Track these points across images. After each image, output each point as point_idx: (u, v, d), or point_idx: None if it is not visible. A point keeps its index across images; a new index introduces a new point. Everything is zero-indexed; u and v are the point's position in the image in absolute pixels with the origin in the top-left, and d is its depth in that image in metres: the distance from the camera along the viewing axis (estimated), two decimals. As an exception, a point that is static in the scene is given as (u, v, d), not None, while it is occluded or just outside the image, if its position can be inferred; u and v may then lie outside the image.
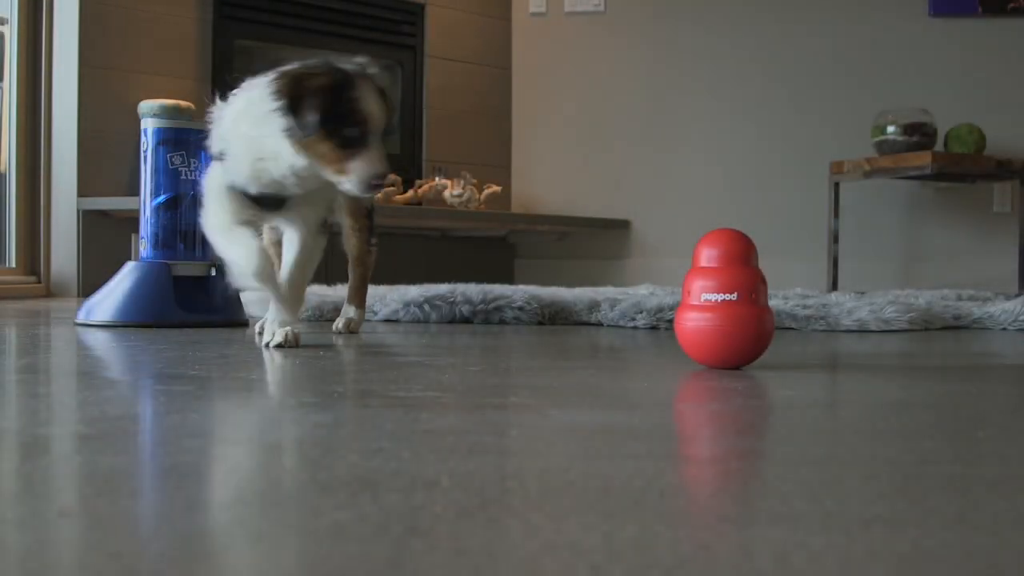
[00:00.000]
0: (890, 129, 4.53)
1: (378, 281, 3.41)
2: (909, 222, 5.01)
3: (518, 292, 2.82)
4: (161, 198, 2.42)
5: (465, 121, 5.30)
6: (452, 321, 2.69)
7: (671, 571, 0.52)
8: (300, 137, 1.66)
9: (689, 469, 0.81)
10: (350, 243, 2.19)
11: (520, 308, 2.70)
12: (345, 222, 2.14)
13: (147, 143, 2.43)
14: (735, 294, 1.48)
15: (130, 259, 2.48)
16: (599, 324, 2.67)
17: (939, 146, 4.62)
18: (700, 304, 1.50)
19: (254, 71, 1.82)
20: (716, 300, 1.49)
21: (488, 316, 2.69)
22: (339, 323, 2.20)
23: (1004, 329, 2.60)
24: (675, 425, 1.06)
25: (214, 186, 1.81)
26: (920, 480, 0.75)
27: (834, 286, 4.60)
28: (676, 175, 5.20)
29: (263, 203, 1.80)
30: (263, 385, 1.28)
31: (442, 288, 2.83)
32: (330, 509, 0.64)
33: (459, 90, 5.29)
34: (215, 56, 4.58)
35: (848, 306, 2.59)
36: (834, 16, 5.07)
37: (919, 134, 4.49)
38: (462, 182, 4.82)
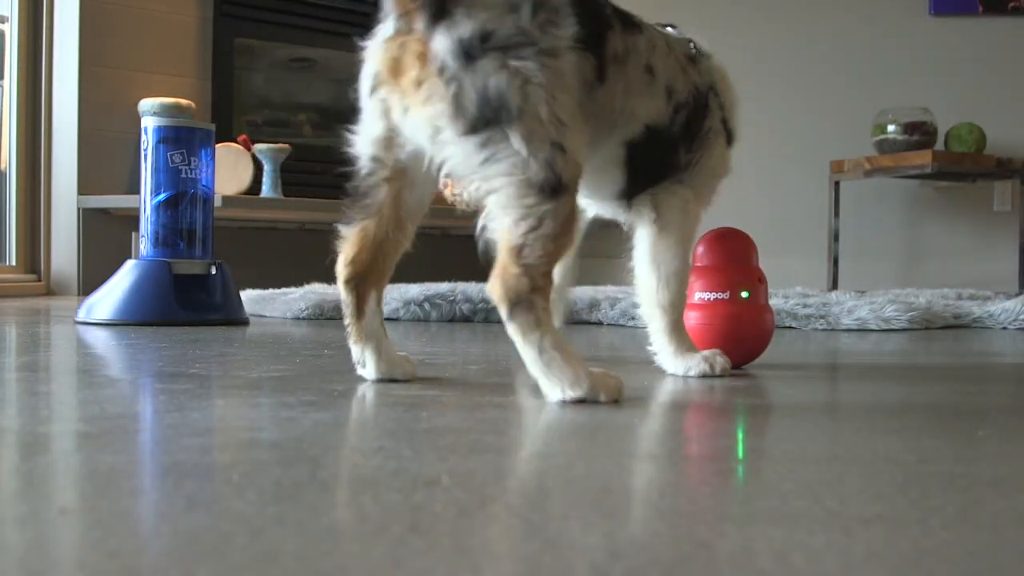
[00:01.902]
0: (890, 128, 4.53)
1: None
2: (909, 221, 5.01)
3: (518, 291, 2.82)
4: (161, 196, 2.42)
5: (465, 120, 5.29)
6: (452, 320, 2.69)
7: (671, 570, 0.52)
8: None
9: (689, 468, 0.81)
10: None
11: (520, 307, 2.69)
12: None
13: (147, 141, 2.43)
14: (727, 293, 1.49)
15: (130, 257, 2.48)
16: (599, 323, 2.67)
17: (939, 145, 4.62)
18: (694, 303, 1.51)
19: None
20: (709, 299, 1.50)
21: (488, 315, 2.69)
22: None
23: (1004, 328, 2.60)
24: (675, 424, 1.06)
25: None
26: (920, 479, 0.75)
27: (834, 285, 4.61)
28: (676, 174, 5.19)
29: None
30: (263, 383, 1.28)
31: (443, 287, 2.83)
32: (330, 508, 0.64)
33: (459, 89, 5.28)
34: (215, 55, 4.58)
35: (848, 305, 2.59)
36: (834, 16, 5.06)
37: (919, 133, 4.49)
38: (462, 181, 4.81)
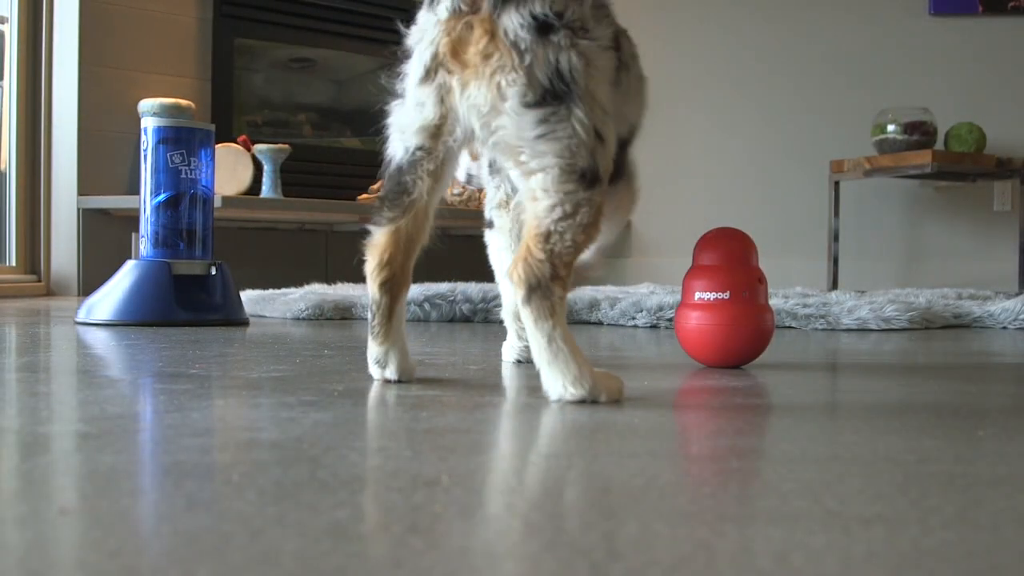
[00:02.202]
0: (890, 128, 4.53)
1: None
2: (909, 221, 5.02)
3: (518, 291, 2.82)
4: (161, 197, 2.42)
5: (465, 120, 5.30)
6: (452, 320, 2.69)
7: (671, 570, 0.52)
8: None
9: (689, 468, 0.81)
10: None
11: (520, 307, 2.70)
12: None
13: (147, 142, 2.43)
14: (727, 293, 1.49)
15: (130, 258, 2.48)
16: (599, 323, 2.67)
17: (939, 145, 4.62)
18: (694, 303, 1.51)
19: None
20: (709, 299, 1.50)
21: (488, 315, 2.69)
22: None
23: (1004, 328, 2.60)
24: (675, 424, 1.06)
25: None
26: (920, 479, 0.75)
27: (834, 285, 4.61)
28: (676, 174, 5.20)
29: None
30: (263, 383, 1.28)
31: (442, 287, 2.83)
32: (330, 508, 0.64)
33: (459, 89, 5.28)
34: (215, 55, 4.58)
35: (848, 305, 2.59)
36: (834, 15, 5.07)
37: (919, 133, 4.50)
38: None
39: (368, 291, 1.28)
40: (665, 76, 5.28)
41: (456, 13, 1.13)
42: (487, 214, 1.56)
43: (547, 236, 1.11)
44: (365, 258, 1.27)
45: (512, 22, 1.10)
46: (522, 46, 1.10)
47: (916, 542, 0.58)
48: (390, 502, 0.65)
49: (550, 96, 1.09)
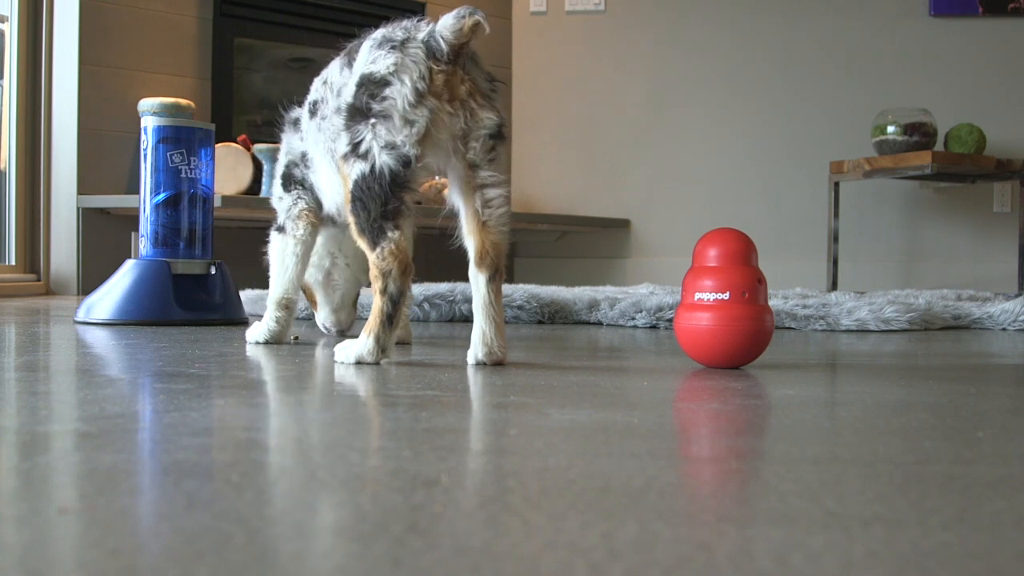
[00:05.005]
0: (890, 129, 4.53)
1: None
2: (909, 222, 5.02)
3: (518, 291, 2.82)
4: (161, 196, 2.42)
5: (465, 120, 5.30)
6: (452, 320, 2.69)
7: (670, 570, 0.52)
8: None
9: (688, 468, 0.81)
10: None
11: (520, 307, 2.70)
12: None
13: (147, 141, 2.43)
14: (727, 293, 1.49)
15: (130, 257, 2.48)
16: (599, 323, 2.67)
17: (939, 146, 4.62)
18: (694, 303, 1.51)
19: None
20: (708, 300, 1.50)
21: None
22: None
23: (1004, 329, 2.61)
24: (675, 424, 1.06)
25: None
26: (920, 480, 0.75)
27: (834, 286, 4.61)
28: (676, 175, 5.20)
29: None
30: (262, 383, 1.28)
31: (442, 287, 2.83)
32: (330, 508, 0.64)
33: (459, 89, 5.28)
34: (215, 54, 4.58)
35: (848, 306, 2.59)
36: (834, 16, 5.07)
37: (919, 134, 4.50)
38: (462, 181, 4.81)
39: (394, 287, 1.48)
40: (665, 76, 5.28)
41: (442, 63, 1.47)
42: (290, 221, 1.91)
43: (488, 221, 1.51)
44: (388, 259, 1.47)
45: (480, 77, 1.51)
46: (490, 94, 1.51)
47: (915, 543, 0.58)
48: (390, 502, 0.65)
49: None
